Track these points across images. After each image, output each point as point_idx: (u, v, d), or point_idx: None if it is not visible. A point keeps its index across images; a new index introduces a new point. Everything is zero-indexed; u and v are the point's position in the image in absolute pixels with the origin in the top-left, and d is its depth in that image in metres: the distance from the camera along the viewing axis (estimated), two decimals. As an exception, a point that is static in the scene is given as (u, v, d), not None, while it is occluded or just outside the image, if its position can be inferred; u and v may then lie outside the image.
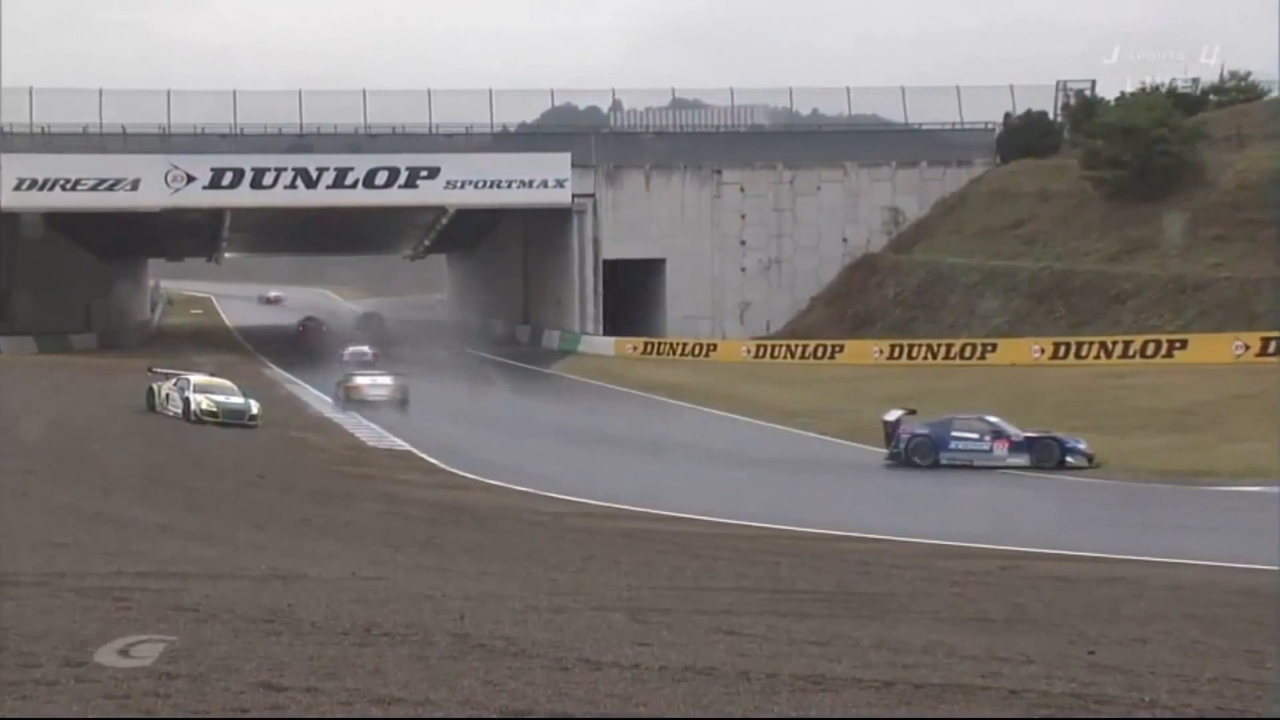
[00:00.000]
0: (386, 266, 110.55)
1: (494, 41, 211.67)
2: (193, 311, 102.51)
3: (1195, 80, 61.72)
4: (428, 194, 64.36)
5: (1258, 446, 27.84)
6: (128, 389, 38.69)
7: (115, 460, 25.78)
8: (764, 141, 68.59)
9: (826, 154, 66.08)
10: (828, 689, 6.75)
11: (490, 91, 66.57)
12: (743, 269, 65.58)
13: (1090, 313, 50.90)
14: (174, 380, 35.86)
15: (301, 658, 7.25)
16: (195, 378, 36.15)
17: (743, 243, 65.67)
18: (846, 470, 30.46)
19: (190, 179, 62.22)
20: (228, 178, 62.64)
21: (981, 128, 66.68)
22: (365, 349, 54.73)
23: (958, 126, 67.58)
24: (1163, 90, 59.62)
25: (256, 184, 62.72)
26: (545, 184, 63.82)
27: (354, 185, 63.17)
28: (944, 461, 29.00)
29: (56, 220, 63.21)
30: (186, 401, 34.10)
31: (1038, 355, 48.41)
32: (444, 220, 70.23)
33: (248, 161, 63.19)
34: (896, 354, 52.86)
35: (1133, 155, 53.78)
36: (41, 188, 61.06)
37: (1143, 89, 59.79)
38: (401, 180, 63.51)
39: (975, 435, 29.20)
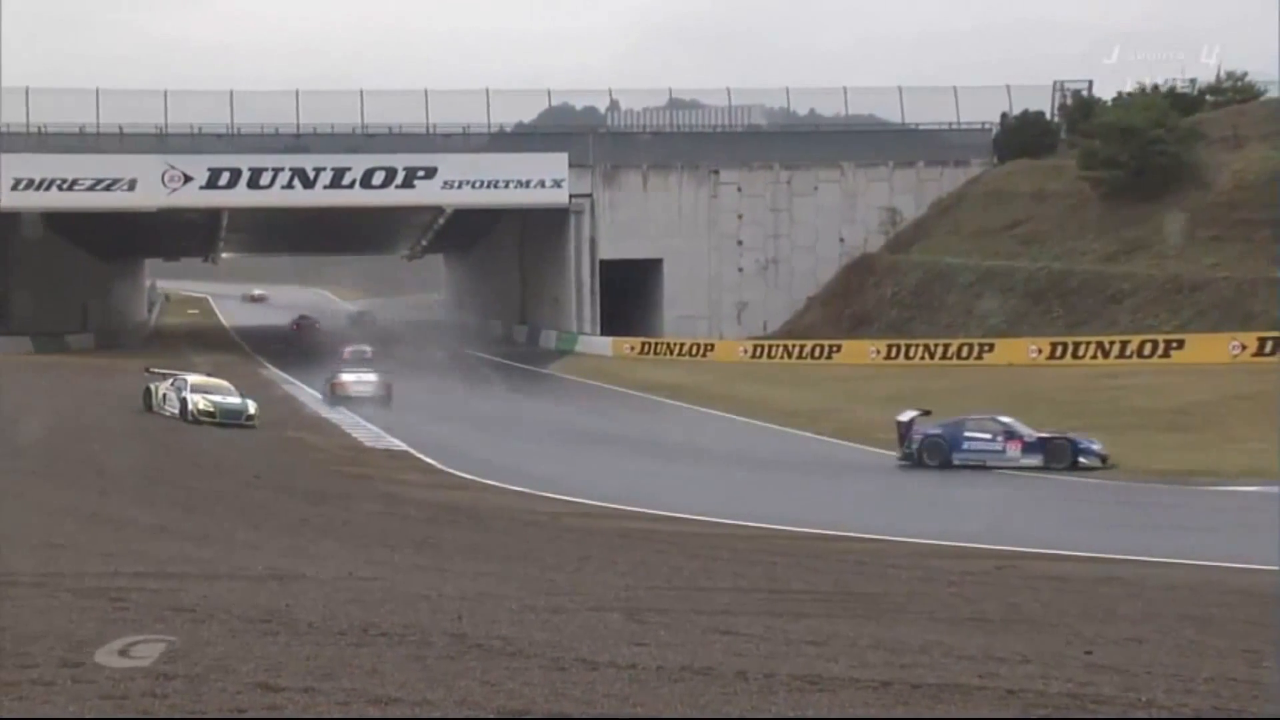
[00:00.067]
0: (384, 266, 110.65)
1: (492, 41, 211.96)
2: (189, 311, 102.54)
3: (1192, 80, 61.85)
4: (425, 194, 64.36)
5: (1255, 446, 27.86)
6: (125, 389, 38.68)
7: (112, 461, 25.76)
8: (761, 142, 68.61)
9: (824, 154, 66.13)
10: (825, 689, 6.75)
11: (487, 91, 66.68)
12: (740, 269, 65.59)
13: (1087, 313, 50.95)
14: (171, 380, 35.85)
15: (299, 658, 7.25)
16: (192, 378, 36.16)
17: (740, 243, 65.69)
18: (856, 471, 30.40)
19: (187, 179, 62.20)
20: (225, 178, 62.62)
21: (978, 128, 66.73)
22: (365, 347, 56.68)
23: (955, 127, 67.65)
24: (1161, 90, 59.67)
25: (253, 184, 62.71)
26: (542, 184, 63.82)
27: (351, 185, 63.17)
28: (956, 462, 28.95)
29: (53, 220, 63.20)
30: (183, 401, 34.09)
31: (1035, 355, 48.45)
32: (441, 220, 70.30)
33: (245, 161, 63.18)
34: (894, 354, 52.88)
35: (1129, 155, 53.82)
36: (38, 188, 61.03)
37: (1141, 89, 59.88)
38: (399, 180, 63.51)
39: (988, 436, 29.16)
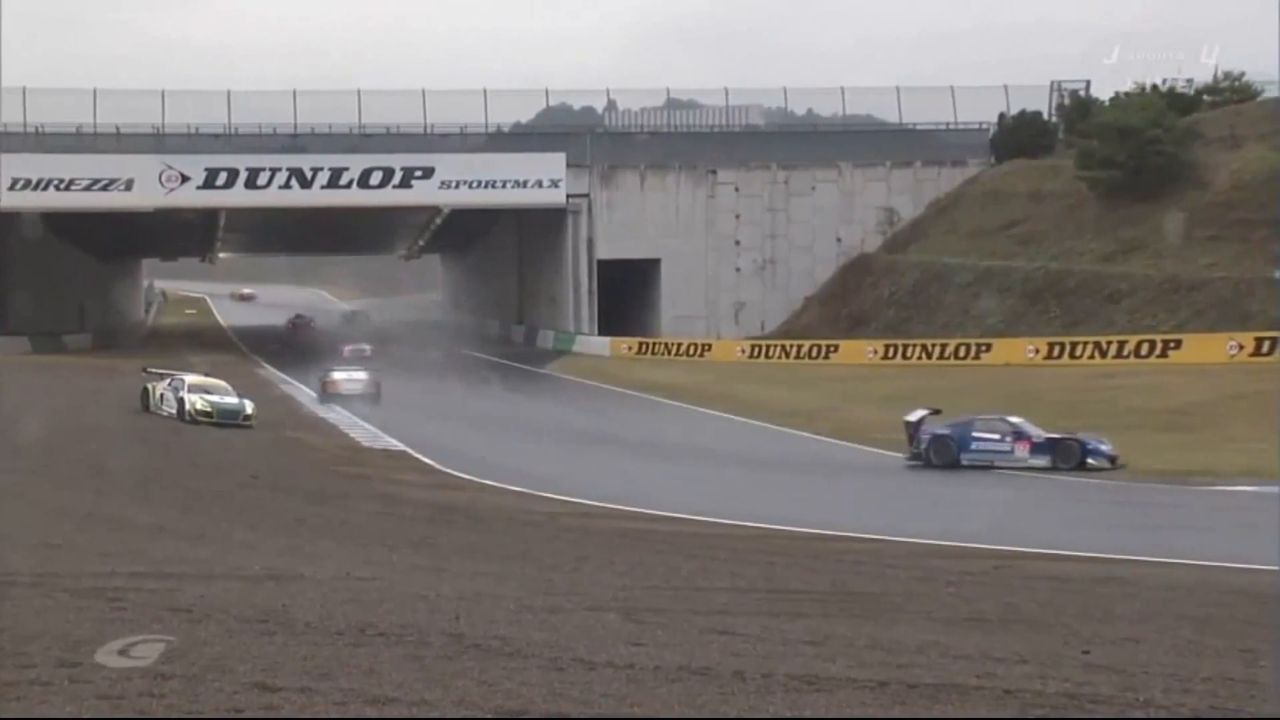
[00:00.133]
0: (381, 266, 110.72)
1: (491, 41, 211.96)
2: (187, 311, 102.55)
3: (1190, 81, 61.88)
4: (422, 194, 64.35)
5: (1253, 446, 27.87)
6: (122, 389, 38.67)
7: (110, 460, 25.75)
8: (759, 141, 68.62)
9: (821, 154, 66.12)
10: (822, 689, 6.75)
11: (485, 91, 66.68)
12: (737, 269, 65.60)
13: (1085, 313, 50.97)
14: (168, 380, 35.83)
15: (296, 658, 7.25)
16: (190, 378, 36.13)
17: (737, 243, 65.69)
18: (854, 471, 30.37)
19: (184, 179, 62.16)
20: (222, 178, 62.59)
21: (976, 128, 66.70)
22: (365, 346, 58.05)
23: (952, 127, 67.62)
24: (1159, 90, 59.67)
25: (251, 184, 62.69)
26: (540, 184, 63.81)
27: (349, 185, 63.16)
28: (965, 462, 28.90)
29: (51, 220, 63.16)
30: (181, 402, 34.07)
31: (1032, 355, 48.46)
32: (438, 220, 70.30)
33: (242, 161, 63.16)
34: (891, 354, 52.89)
35: (1127, 155, 53.82)
36: (36, 188, 61.01)
37: (1140, 89, 59.88)
38: (396, 180, 63.50)
39: (996, 436, 29.11)
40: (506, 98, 67.82)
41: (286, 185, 62.91)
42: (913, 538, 17.92)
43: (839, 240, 64.88)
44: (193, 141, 64.98)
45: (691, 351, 59.97)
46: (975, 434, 29.29)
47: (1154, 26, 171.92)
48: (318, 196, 63.22)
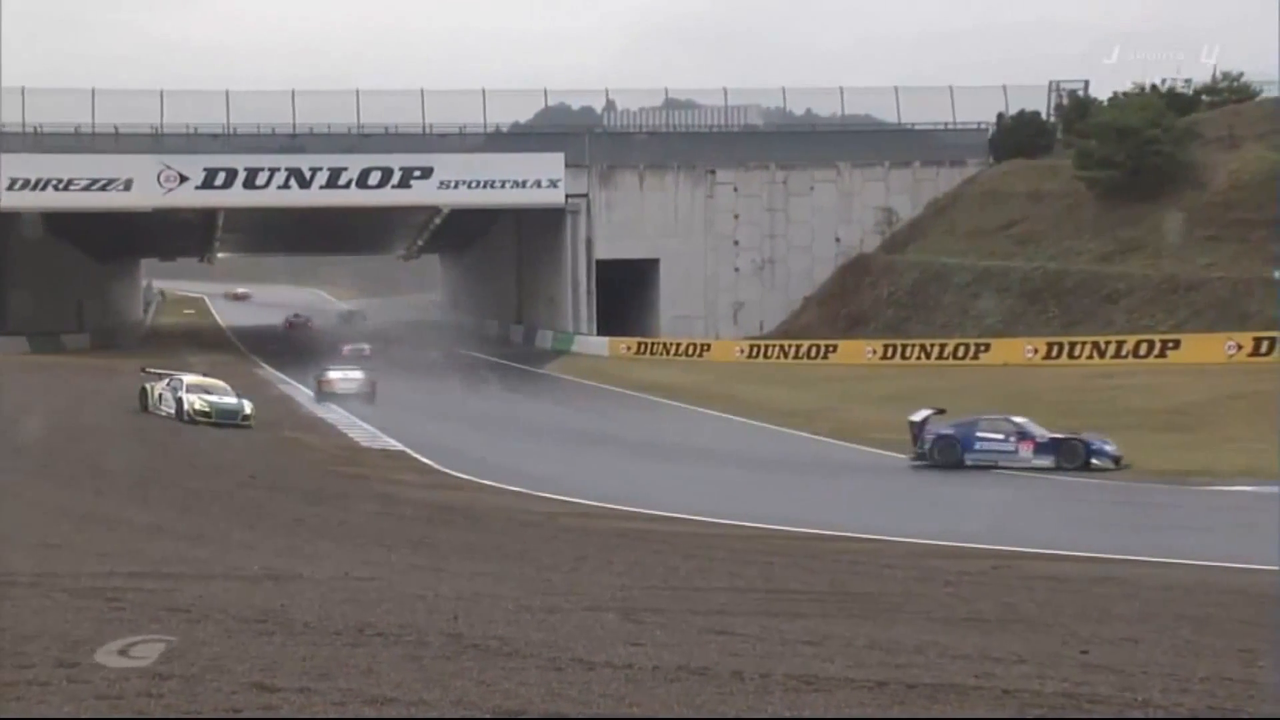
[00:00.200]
0: (380, 266, 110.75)
1: (490, 41, 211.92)
2: (185, 311, 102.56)
3: (1189, 80, 61.90)
4: (421, 194, 64.35)
5: (1252, 446, 27.89)
6: (121, 389, 38.66)
7: (109, 461, 25.75)
8: (757, 141, 68.63)
9: (820, 154, 66.13)
10: (820, 689, 6.75)
11: (484, 91, 66.68)
12: (736, 269, 65.61)
13: (1083, 313, 50.98)
14: (167, 380, 35.82)
15: (294, 658, 7.25)
16: (188, 378, 36.11)
17: (736, 243, 65.70)
18: (852, 471, 30.35)
19: (183, 179, 62.17)
20: (220, 178, 62.60)
21: (974, 128, 66.73)
22: (364, 346, 58.76)
23: (951, 127, 67.65)
24: (1157, 90, 59.69)
25: (249, 184, 62.70)
26: (539, 184, 63.82)
27: (347, 185, 63.17)
28: (969, 462, 28.87)
29: (50, 220, 63.16)
30: (179, 402, 34.05)
31: (1031, 355, 48.49)
32: (437, 220, 70.31)
33: (241, 161, 63.17)
34: (890, 354, 52.91)
35: (1125, 155, 53.84)
36: (35, 188, 61.00)
37: (1139, 89, 59.88)
38: (395, 180, 63.50)
39: (1000, 436, 29.08)
40: (505, 98, 67.84)
41: (285, 185, 62.92)
42: (911, 538, 17.91)
43: (838, 240, 64.90)
44: (191, 141, 65.00)
45: (690, 351, 59.98)
46: (979, 434, 29.26)
47: (1154, 26, 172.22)
48: (316, 196, 63.22)
